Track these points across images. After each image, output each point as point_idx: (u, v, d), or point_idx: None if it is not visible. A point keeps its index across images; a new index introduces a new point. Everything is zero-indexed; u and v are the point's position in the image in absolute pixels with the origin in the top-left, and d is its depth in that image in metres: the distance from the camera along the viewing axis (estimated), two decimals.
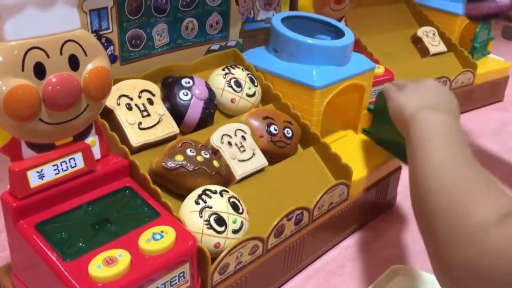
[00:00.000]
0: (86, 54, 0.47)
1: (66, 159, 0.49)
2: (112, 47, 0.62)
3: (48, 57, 0.44)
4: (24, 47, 0.43)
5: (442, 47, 1.14)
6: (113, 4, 0.60)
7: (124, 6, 0.62)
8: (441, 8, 1.18)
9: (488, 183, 0.48)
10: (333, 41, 0.72)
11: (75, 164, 0.49)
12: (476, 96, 1.16)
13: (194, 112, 0.63)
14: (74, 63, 0.46)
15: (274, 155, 0.66)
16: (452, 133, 0.54)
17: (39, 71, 0.44)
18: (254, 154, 0.63)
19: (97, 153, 0.52)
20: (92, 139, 0.52)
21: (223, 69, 0.70)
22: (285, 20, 0.76)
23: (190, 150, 0.57)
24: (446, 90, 0.62)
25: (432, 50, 1.12)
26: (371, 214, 0.75)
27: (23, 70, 0.43)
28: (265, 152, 0.65)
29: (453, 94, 0.62)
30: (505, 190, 0.46)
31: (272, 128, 0.66)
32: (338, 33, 0.78)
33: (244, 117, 0.67)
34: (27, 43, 0.43)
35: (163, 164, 0.55)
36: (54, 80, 0.45)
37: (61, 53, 0.45)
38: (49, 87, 0.44)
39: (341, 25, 0.78)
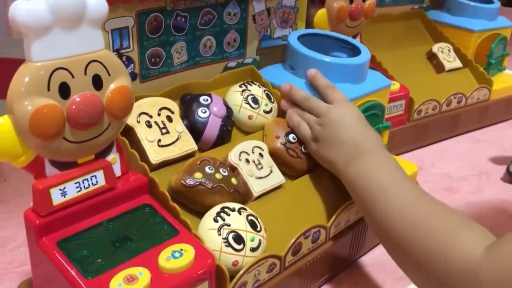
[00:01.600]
0: (109, 74, 0.48)
1: (88, 176, 0.49)
2: (132, 65, 0.63)
3: (73, 77, 0.45)
4: (50, 68, 0.44)
5: (458, 63, 1.14)
6: (134, 24, 0.61)
7: (145, 25, 0.63)
8: (456, 25, 1.18)
9: (457, 219, 0.49)
10: (349, 59, 0.72)
11: (97, 181, 0.50)
12: (491, 113, 1.15)
13: (212, 129, 0.64)
14: (97, 82, 0.47)
15: (281, 160, 0.65)
16: (392, 175, 0.56)
17: (64, 90, 0.45)
18: (271, 172, 0.63)
19: (117, 170, 0.53)
20: (113, 157, 0.52)
21: (240, 86, 0.70)
22: (301, 38, 0.77)
23: (209, 168, 0.58)
24: (353, 118, 0.63)
25: (448, 66, 1.12)
26: None
27: (48, 90, 0.44)
28: (273, 153, 0.65)
29: (359, 113, 0.63)
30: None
31: (291, 136, 0.67)
32: (354, 50, 0.79)
33: (270, 121, 0.68)
34: (53, 64, 0.44)
35: (182, 181, 0.56)
36: (78, 99, 0.46)
37: (85, 73, 0.46)
38: (73, 107, 0.45)
39: (357, 42, 0.79)
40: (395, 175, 0.55)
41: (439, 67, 1.13)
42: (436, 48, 1.14)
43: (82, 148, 0.48)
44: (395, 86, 0.96)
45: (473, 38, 1.15)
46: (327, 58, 0.71)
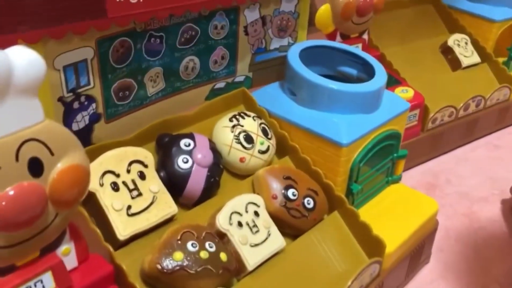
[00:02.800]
0: (52, 153, 0.36)
1: (31, 283, 0.38)
2: (94, 104, 0.51)
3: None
4: None
5: (476, 58, 1.01)
6: (94, 55, 0.48)
7: (108, 54, 0.50)
8: (474, 13, 1.04)
9: None
10: (362, 86, 0.59)
11: (43, 286, 0.38)
12: (511, 112, 1.04)
13: (196, 182, 0.52)
14: (35, 167, 0.35)
15: (283, 223, 0.54)
16: None
17: None
18: (269, 235, 0.52)
19: (73, 261, 0.41)
20: (66, 247, 0.41)
21: (231, 120, 0.58)
22: (303, 50, 0.64)
23: (192, 244, 0.46)
24: None
25: (465, 62, 0.99)
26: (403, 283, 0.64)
27: None
28: (273, 217, 0.54)
29: None
30: None
31: (290, 192, 0.55)
32: (365, 65, 0.66)
33: (261, 172, 0.56)
34: None
35: (158, 265, 0.44)
36: (10, 193, 0.33)
37: (17, 159, 0.34)
38: (2, 205, 0.33)
39: (370, 57, 0.66)
40: None
41: (455, 63, 1.00)
42: (451, 41, 1.00)
43: (20, 250, 0.36)
44: (409, 93, 0.84)
45: (493, 29, 1.02)
46: (335, 85, 0.58)
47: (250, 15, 0.62)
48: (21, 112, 0.34)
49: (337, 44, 0.69)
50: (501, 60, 1.02)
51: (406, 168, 0.87)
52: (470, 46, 1.02)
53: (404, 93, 0.84)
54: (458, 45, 1.01)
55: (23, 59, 0.33)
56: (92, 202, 0.47)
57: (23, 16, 0.41)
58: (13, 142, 0.34)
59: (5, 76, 0.32)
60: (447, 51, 1.01)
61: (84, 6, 0.44)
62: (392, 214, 0.63)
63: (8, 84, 0.32)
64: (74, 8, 0.43)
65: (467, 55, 1.00)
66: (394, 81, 0.88)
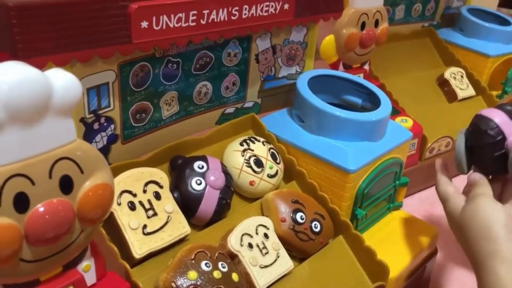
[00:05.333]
0: (82, 171, 0.37)
1: None
2: (112, 126, 0.52)
3: (33, 184, 0.34)
4: (1, 177, 0.33)
5: (471, 91, 1.05)
6: (116, 78, 0.50)
7: (129, 78, 0.52)
8: (469, 48, 1.08)
9: None
10: (369, 114, 0.62)
11: None
12: None
13: (209, 204, 0.53)
14: (66, 185, 0.36)
15: (291, 246, 0.56)
16: None
17: (21, 202, 0.34)
18: (278, 256, 0.53)
19: (92, 277, 0.42)
20: (87, 264, 0.42)
21: (241, 144, 0.60)
22: (311, 79, 0.67)
23: (206, 264, 0.47)
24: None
25: (460, 94, 1.02)
26: None
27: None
28: (282, 240, 0.55)
29: None
30: None
31: (298, 215, 0.57)
32: (370, 95, 0.69)
33: (270, 196, 0.58)
34: (5, 172, 0.33)
35: (173, 284, 0.45)
36: (41, 209, 0.35)
37: (50, 176, 0.35)
38: (34, 220, 0.34)
39: (375, 87, 0.68)
40: None
41: (451, 95, 1.03)
42: (448, 74, 1.04)
43: (45, 264, 0.37)
44: (408, 123, 0.87)
45: (488, 63, 1.06)
46: (343, 114, 0.60)
47: (262, 44, 0.64)
48: (57, 131, 0.35)
49: (343, 74, 0.71)
50: (495, 93, 1.06)
51: (404, 196, 0.89)
52: (465, 79, 1.06)
53: (403, 123, 0.86)
54: (454, 78, 1.04)
55: (62, 81, 0.34)
56: (109, 221, 0.48)
57: (54, 40, 0.43)
58: (48, 160, 0.35)
59: (46, 97, 0.33)
60: (443, 84, 1.04)
61: (111, 32, 0.46)
62: (394, 239, 0.65)
63: (48, 104, 0.34)
64: (102, 33, 0.45)
65: (463, 88, 1.04)
66: (394, 111, 0.89)
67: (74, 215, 0.37)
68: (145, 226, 0.48)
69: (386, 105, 0.64)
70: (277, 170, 0.60)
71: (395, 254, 0.62)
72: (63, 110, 0.35)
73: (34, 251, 0.36)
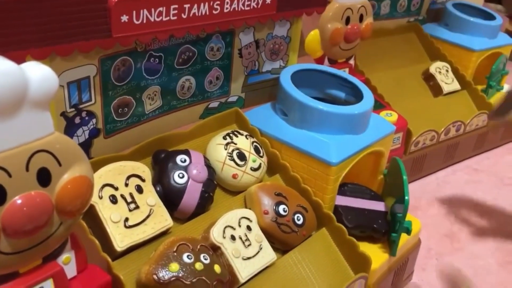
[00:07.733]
0: (60, 164, 0.37)
1: None
2: (94, 120, 0.53)
3: (10, 176, 0.34)
4: None
5: (456, 85, 1.05)
6: (97, 73, 0.50)
7: (110, 72, 0.52)
8: (455, 42, 1.09)
9: None
10: (351, 108, 0.62)
11: None
12: (489, 138, 1.08)
13: (191, 197, 0.54)
14: (44, 177, 0.37)
15: (274, 239, 0.56)
16: None
17: None
18: (261, 248, 0.54)
19: (72, 270, 0.43)
20: (67, 256, 0.42)
21: (224, 137, 0.60)
22: (294, 73, 0.67)
23: (188, 256, 0.48)
24: None
25: (446, 88, 1.03)
26: None
27: None
28: (265, 232, 0.56)
29: None
30: None
31: (281, 208, 0.57)
32: (353, 89, 0.69)
33: (253, 188, 0.58)
34: None
35: (155, 276, 0.46)
36: (18, 202, 0.35)
37: (27, 169, 0.35)
38: (11, 213, 0.35)
39: (358, 81, 0.69)
40: None
41: (436, 90, 1.04)
42: (433, 68, 1.05)
43: (24, 257, 0.37)
44: (393, 117, 0.87)
45: (473, 58, 1.07)
46: (326, 107, 0.61)
47: (245, 38, 0.65)
48: (33, 124, 0.35)
49: (327, 68, 0.72)
50: (480, 87, 1.07)
51: None
52: (450, 74, 1.07)
53: (388, 117, 0.87)
54: (440, 72, 1.05)
55: (38, 74, 0.35)
56: (90, 214, 0.48)
57: (33, 34, 0.43)
58: (24, 152, 0.35)
59: (21, 90, 0.33)
60: (429, 78, 1.05)
61: (91, 26, 0.46)
62: None
63: (24, 97, 0.34)
64: (81, 27, 0.45)
65: (448, 82, 1.05)
66: (378, 105, 0.91)
67: (53, 208, 0.37)
68: (127, 219, 0.49)
69: (368, 99, 0.64)
70: (260, 164, 0.61)
71: (378, 246, 0.62)
72: (40, 102, 0.35)
73: (12, 244, 0.36)
